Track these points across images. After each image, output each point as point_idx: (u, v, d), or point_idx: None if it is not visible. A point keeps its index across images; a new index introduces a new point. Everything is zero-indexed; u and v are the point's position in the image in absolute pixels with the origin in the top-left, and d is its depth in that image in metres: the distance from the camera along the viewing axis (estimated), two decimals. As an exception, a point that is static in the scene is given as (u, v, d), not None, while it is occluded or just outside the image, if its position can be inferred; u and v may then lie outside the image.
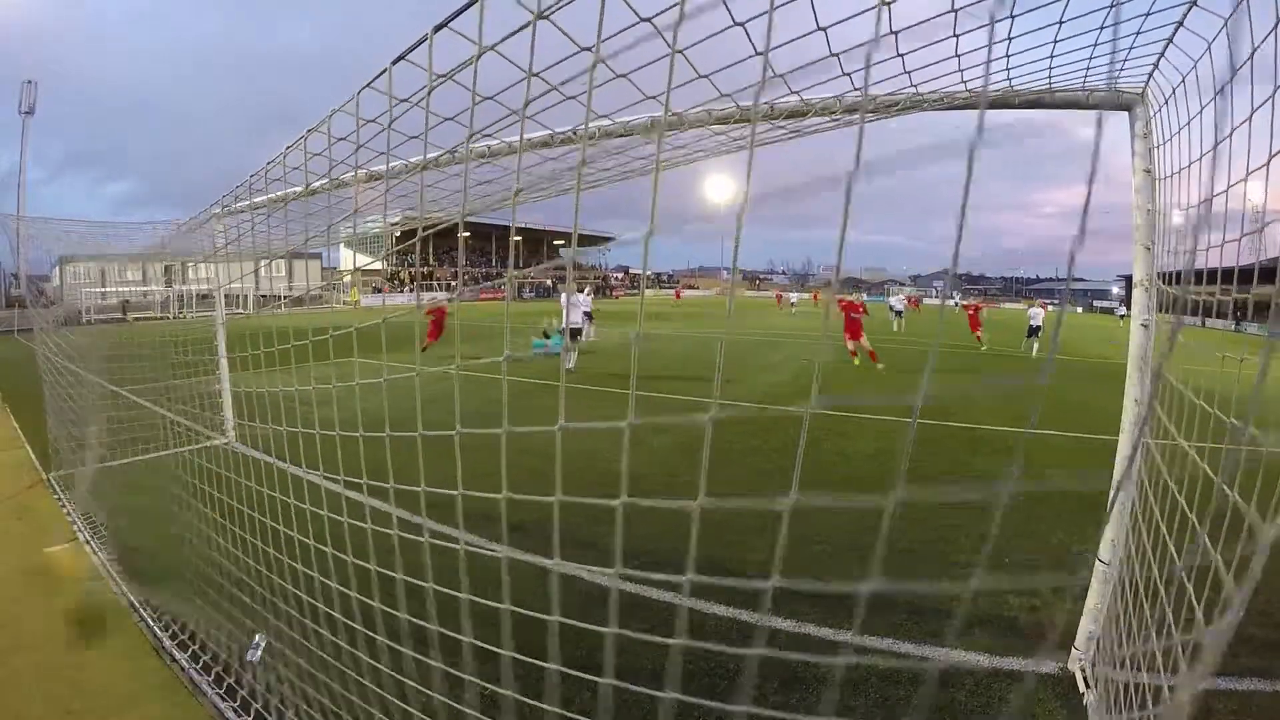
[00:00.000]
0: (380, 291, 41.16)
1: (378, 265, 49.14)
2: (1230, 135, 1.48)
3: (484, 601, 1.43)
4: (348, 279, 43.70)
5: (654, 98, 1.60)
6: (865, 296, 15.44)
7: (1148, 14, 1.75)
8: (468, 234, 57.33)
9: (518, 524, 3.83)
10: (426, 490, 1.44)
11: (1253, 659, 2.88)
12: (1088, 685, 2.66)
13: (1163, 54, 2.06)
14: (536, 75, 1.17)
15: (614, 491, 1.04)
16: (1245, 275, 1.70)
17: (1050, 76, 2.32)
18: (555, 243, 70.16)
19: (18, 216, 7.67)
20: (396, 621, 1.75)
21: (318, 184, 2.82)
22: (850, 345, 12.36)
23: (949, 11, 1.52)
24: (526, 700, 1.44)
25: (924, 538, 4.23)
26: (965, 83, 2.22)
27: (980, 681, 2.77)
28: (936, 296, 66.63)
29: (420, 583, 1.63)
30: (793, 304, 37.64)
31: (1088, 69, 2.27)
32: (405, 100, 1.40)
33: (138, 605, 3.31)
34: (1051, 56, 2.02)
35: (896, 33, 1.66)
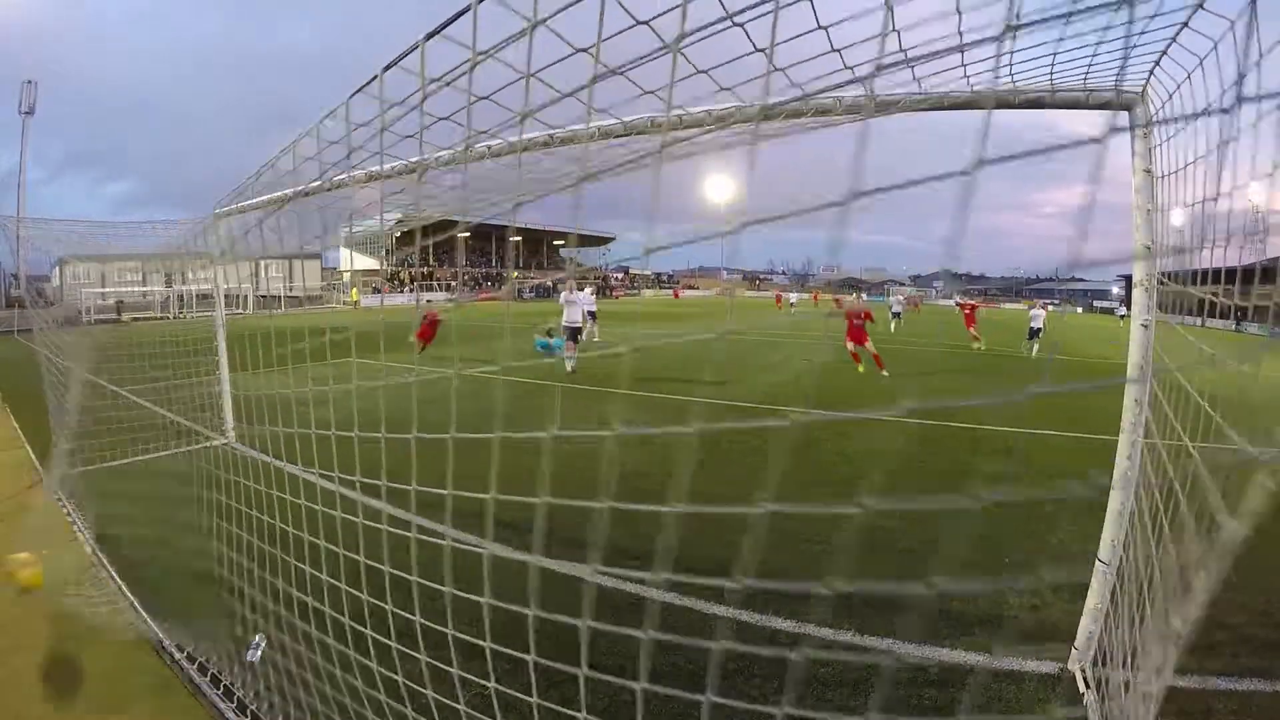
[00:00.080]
0: (380, 292, 41.14)
1: (378, 265, 49.18)
2: (1233, 138, 1.48)
3: (467, 596, 1.43)
4: (347, 278, 43.71)
5: (653, 92, 1.60)
6: (865, 297, 14.92)
7: (1153, 16, 1.74)
8: (467, 234, 57.35)
9: (519, 524, 3.84)
10: (419, 490, 1.44)
11: (1253, 659, 2.88)
12: (1088, 685, 2.66)
13: (1165, 52, 2.06)
14: (534, 76, 1.16)
15: (618, 489, 1.04)
16: (1246, 275, 1.69)
17: (1052, 76, 2.32)
18: (555, 243, 70.09)
19: (17, 217, 7.68)
20: (396, 621, 1.75)
21: (312, 185, 2.83)
22: (851, 347, 12.03)
23: (954, 12, 1.52)
24: (526, 698, 1.44)
25: (925, 536, 4.23)
26: (968, 78, 2.22)
27: (980, 681, 2.77)
28: (936, 296, 66.65)
29: (423, 581, 1.63)
30: (792, 304, 37.52)
31: (1089, 69, 2.27)
32: (399, 104, 1.40)
33: (137, 606, 3.31)
34: (1054, 54, 2.02)
35: (899, 27, 1.66)
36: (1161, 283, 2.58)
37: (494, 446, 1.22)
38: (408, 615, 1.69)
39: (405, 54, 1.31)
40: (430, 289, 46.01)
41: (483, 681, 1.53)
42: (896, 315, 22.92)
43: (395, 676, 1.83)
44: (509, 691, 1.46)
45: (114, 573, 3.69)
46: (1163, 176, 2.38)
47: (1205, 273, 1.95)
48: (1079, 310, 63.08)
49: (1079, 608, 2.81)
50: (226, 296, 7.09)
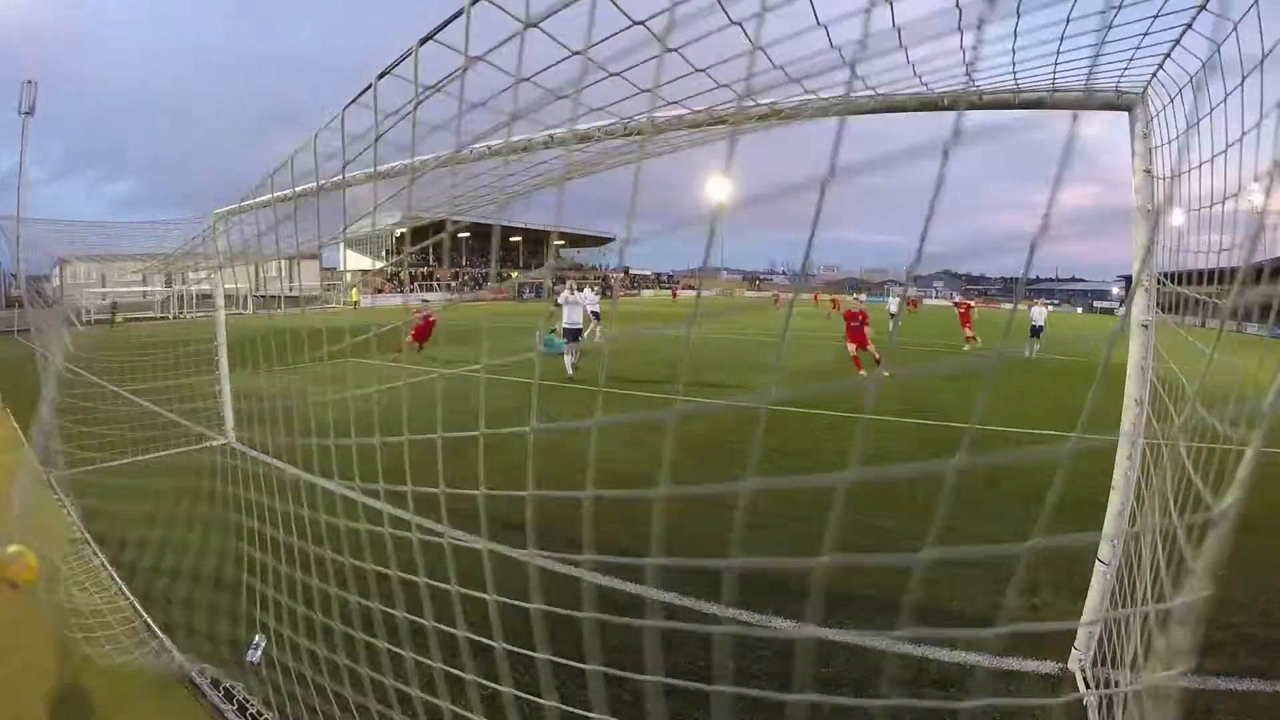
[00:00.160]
0: (380, 292, 41.13)
1: (378, 265, 49.16)
2: (1236, 138, 1.48)
3: (469, 593, 1.43)
4: (347, 278, 43.71)
5: (648, 90, 1.59)
6: (865, 298, 14.61)
7: (1155, 16, 1.74)
8: (467, 234, 57.31)
9: (513, 522, 3.84)
10: (419, 491, 1.44)
11: (1253, 659, 2.88)
12: (1088, 685, 2.66)
13: (1169, 55, 2.06)
14: (528, 80, 1.16)
15: (612, 489, 1.04)
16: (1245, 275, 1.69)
17: (1053, 76, 2.31)
18: (556, 242, 69.97)
19: (18, 217, 7.68)
20: (396, 620, 1.75)
21: (302, 189, 2.83)
22: (853, 350, 11.61)
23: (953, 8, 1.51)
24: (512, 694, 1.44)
25: (925, 535, 4.23)
26: (972, 77, 2.22)
27: (980, 682, 2.77)
28: (937, 296, 66.61)
29: (405, 574, 1.63)
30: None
31: (1089, 69, 2.27)
32: (394, 114, 1.40)
33: (138, 606, 3.31)
34: (1057, 53, 2.02)
35: (898, 24, 1.65)
36: (1161, 283, 2.58)
37: (479, 445, 1.22)
38: (389, 609, 1.69)
39: (399, 60, 1.31)
40: (430, 289, 45.96)
41: (483, 680, 1.53)
42: (893, 316, 22.84)
43: (382, 676, 1.83)
44: (507, 690, 1.46)
45: (121, 584, 3.69)
46: (1163, 177, 2.38)
47: (1205, 273, 1.96)
48: (1079, 310, 63.09)
49: (1079, 608, 2.81)
50: (226, 297, 7.08)
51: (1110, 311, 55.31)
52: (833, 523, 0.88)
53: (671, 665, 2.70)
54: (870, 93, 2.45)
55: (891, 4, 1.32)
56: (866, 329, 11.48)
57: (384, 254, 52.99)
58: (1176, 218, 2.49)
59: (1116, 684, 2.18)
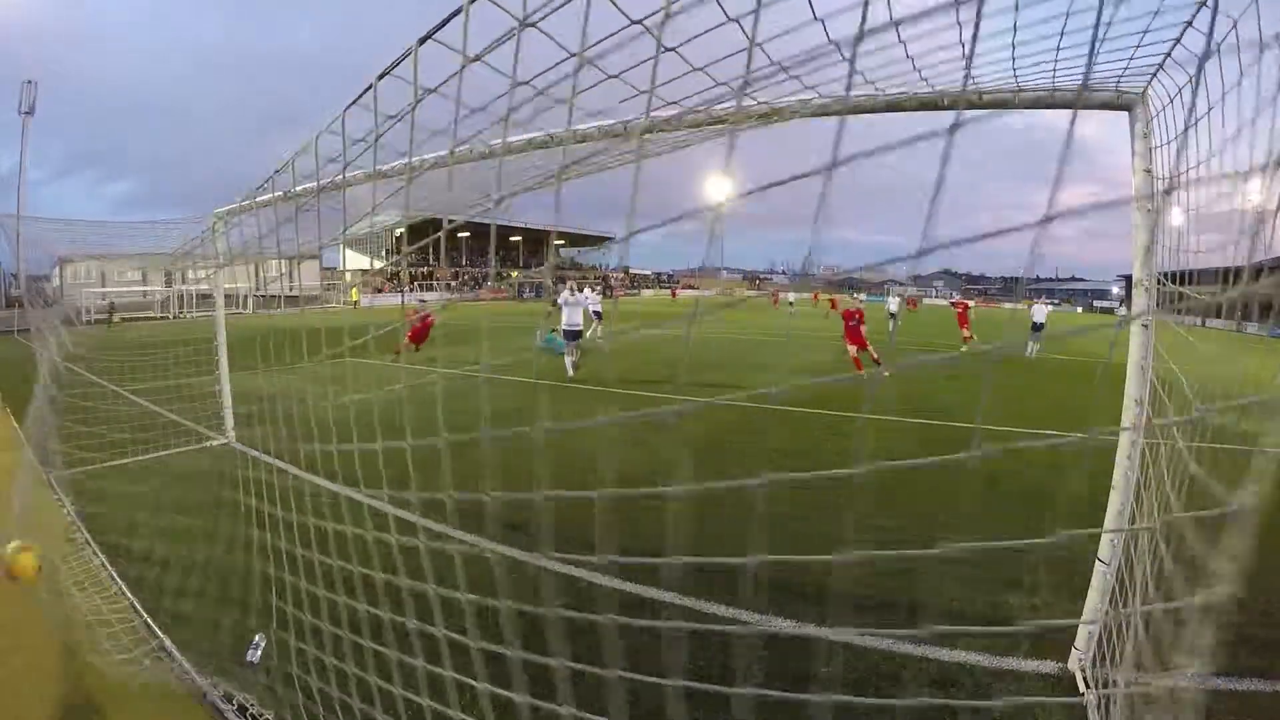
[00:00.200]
0: (380, 291, 41.13)
1: (378, 265, 49.16)
2: (1236, 137, 1.48)
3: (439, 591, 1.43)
4: (347, 278, 43.71)
5: (646, 92, 1.59)
6: (865, 298, 14.49)
7: (1155, 12, 1.74)
8: (467, 234, 57.30)
9: (518, 523, 3.85)
10: (426, 497, 1.44)
11: (1253, 659, 2.88)
12: (1088, 685, 2.66)
13: (1169, 54, 2.06)
14: (526, 84, 1.16)
15: (612, 489, 1.04)
16: (1242, 275, 1.69)
17: (1053, 76, 2.31)
18: (556, 242, 70.00)
19: (18, 216, 7.68)
20: (398, 621, 1.75)
21: (302, 188, 2.82)
22: (853, 352, 11.42)
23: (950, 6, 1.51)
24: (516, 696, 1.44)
25: (925, 535, 4.23)
26: (974, 78, 2.22)
27: (980, 682, 2.76)
28: (937, 296, 66.59)
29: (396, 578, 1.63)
30: (790, 304, 37.02)
31: (1089, 69, 2.26)
32: (392, 117, 1.40)
33: (137, 606, 3.31)
34: (1057, 48, 2.01)
35: (897, 24, 1.65)
36: (1161, 283, 2.58)
37: (482, 446, 1.21)
38: (396, 616, 1.69)
39: (399, 60, 1.31)
40: (430, 289, 45.97)
41: (474, 681, 1.53)
42: (892, 315, 22.77)
43: (367, 677, 1.83)
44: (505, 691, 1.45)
45: (121, 584, 3.69)
46: (1162, 177, 2.38)
47: (1204, 273, 1.96)
48: (1079, 310, 63.08)
49: (1079, 608, 2.81)
50: (226, 296, 7.08)
51: (1110, 311, 55.29)
52: (849, 523, 0.88)
53: (672, 666, 2.70)
54: (870, 92, 2.45)
55: (889, 4, 1.31)
56: (863, 328, 11.36)
57: (384, 254, 53.01)
58: (1176, 217, 2.49)
59: (1116, 684, 2.18)
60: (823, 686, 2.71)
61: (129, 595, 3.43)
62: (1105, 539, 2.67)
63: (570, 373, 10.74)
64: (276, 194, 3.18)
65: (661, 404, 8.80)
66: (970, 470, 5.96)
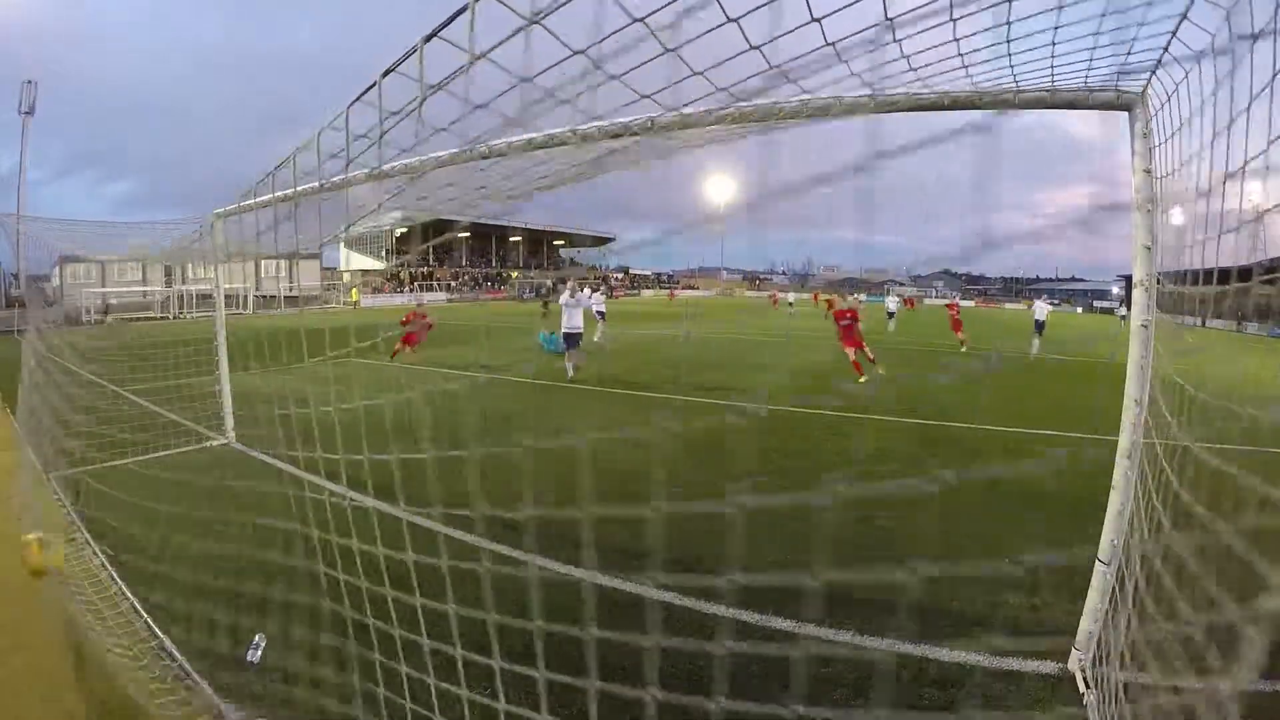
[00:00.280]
0: (380, 291, 41.11)
1: (378, 265, 49.19)
2: (1235, 137, 1.48)
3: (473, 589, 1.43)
4: (346, 278, 43.71)
5: (650, 97, 1.60)
6: (864, 298, 14.33)
7: (1149, 3, 1.73)
8: (467, 234, 57.29)
9: (515, 523, 3.85)
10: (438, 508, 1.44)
11: (1253, 659, 2.87)
12: (1088, 685, 2.66)
13: (1166, 48, 2.05)
14: (529, 80, 1.16)
15: (614, 490, 1.04)
16: (1245, 274, 1.69)
17: (1053, 76, 2.31)
18: (555, 243, 70.06)
19: (18, 216, 7.68)
20: (395, 621, 1.75)
21: (304, 187, 2.82)
22: (852, 355, 11.03)
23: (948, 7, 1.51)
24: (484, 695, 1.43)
25: (925, 534, 4.23)
26: (971, 77, 2.22)
27: (980, 682, 2.76)
28: (937, 297, 66.58)
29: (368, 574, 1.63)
30: (790, 304, 36.78)
31: (1089, 69, 2.27)
32: (396, 114, 1.40)
33: (138, 607, 3.31)
34: (1055, 49, 2.02)
35: (893, 20, 1.65)
36: (1160, 283, 2.58)
37: (474, 454, 1.22)
38: (397, 616, 1.69)
39: (404, 57, 1.31)
40: (430, 289, 45.91)
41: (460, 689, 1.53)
42: (891, 315, 22.73)
43: (359, 681, 1.83)
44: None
45: (121, 584, 3.69)
46: (1163, 177, 2.38)
47: (1205, 273, 1.96)
48: (1079, 310, 63.06)
49: (1079, 608, 2.81)
50: (226, 296, 7.08)
51: (1110, 311, 55.24)
52: (848, 522, 0.87)
53: (671, 666, 2.70)
54: (870, 93, 2.45)
55: (885, 4, 1.32)
56: (858, 325, 10.91)
57: (384, 254, 53.00)
58: (1176, 217, 2.49)
59: (1115, 684, 2.18)
60: (822, 686, 2.70)
61: (129, 596, 3.43)
62: (1105, 539, 2.67)
63: (570, 373, 10.71)
64: (277, 194, 3.18)
65: (660, 405, 8.80)
66: (970, 470, 5.96)
